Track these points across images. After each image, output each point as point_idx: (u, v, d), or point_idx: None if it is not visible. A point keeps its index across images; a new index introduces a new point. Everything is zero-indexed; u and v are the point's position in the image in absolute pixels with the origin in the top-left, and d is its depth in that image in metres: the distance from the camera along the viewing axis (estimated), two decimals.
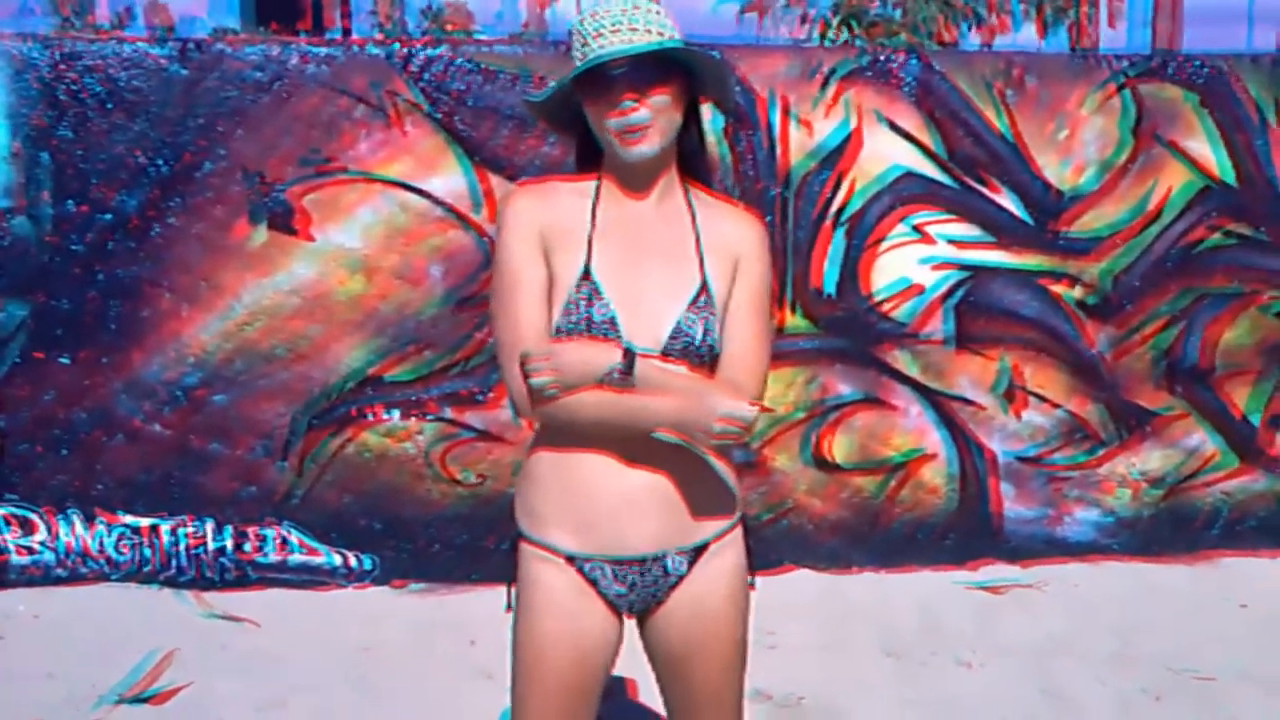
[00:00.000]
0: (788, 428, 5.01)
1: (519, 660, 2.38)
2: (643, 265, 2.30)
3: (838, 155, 4.92)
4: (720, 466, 2.37)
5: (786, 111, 4.87)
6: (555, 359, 2.21)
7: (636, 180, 2.33)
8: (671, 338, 2.26)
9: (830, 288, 4.97)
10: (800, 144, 4.90)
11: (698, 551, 2.35)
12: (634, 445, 2.26)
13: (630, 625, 2.44)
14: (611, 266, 2.29)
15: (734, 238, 2.36)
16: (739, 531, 2.42)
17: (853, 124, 4.91)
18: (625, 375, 2.20)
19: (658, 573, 2.34)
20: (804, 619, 4.65)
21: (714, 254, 2.33)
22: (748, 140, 4.86)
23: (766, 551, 5.04)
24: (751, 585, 2.45)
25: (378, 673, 4.25)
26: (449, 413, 4.87)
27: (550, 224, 2.32)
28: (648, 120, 2.23)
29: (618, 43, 2.21)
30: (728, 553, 2.39)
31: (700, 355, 2.27)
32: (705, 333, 2.27)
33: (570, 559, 2.34)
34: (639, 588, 2.35)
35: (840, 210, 4.95)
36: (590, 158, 2.39)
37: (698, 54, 2.27)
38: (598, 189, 2.36)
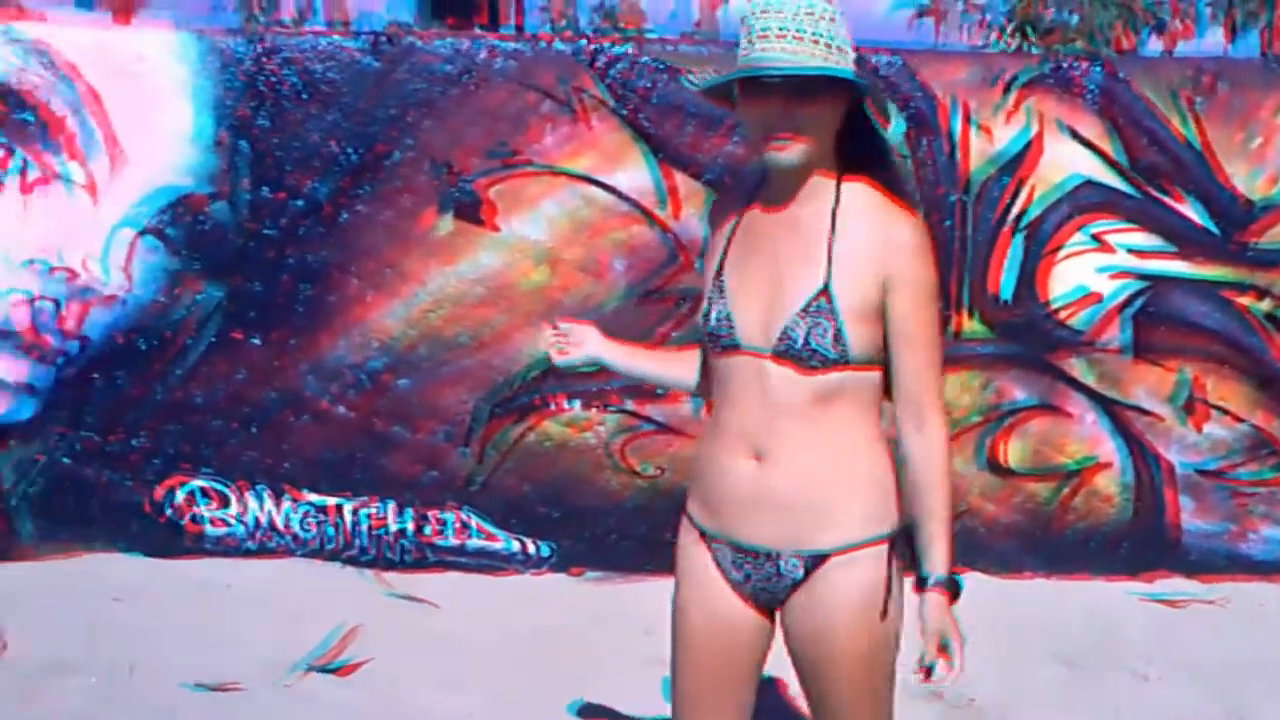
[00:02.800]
0: (962, 431, 4.98)
1: (673, 624, 2.51)
2: (769, 267, 2.32)
3: (1018, 162, 4.89)
4: (865, 482, 2.35)
5: (967, 118, 4.86)
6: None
7: (785, 181, 2.31)
8: (779, 339, 2.27)
9: (1007, 294, 4.94)
10: (981, 150, 4.88)
11: (816, 559, 2.33)
12: (761, 438, 2.31)
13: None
14: (740, 267, 2.35)
15: (881, 241, 2.27)
16: (879, 550, 2.34)
17: (1033, 131, 4.88)
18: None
19: (771, 570, 2.36)
20: (974, 621, 4.58)
21: (850, 257, 2.26)
22: (929, 145, 4.85)
23: None
24: (884, 613, 2.34)
25: (552, 657, 4.32)
26: (630, 405, 4.94)
27: (716, 227, 2.47)
28: (794, 131, 2.21)
29: (780, 50, 2.17)
30: (859, 568, 2.32)
31: (803, 359, 2.25)
32: (810, 337, 2.24)
33: (703, 534, 2.44)
34: (754, 579, 2.38)
35: (1019, 217, 4.92)
36: None
37: (855, 82, 2.22)
38: (754, 191, 2.40)
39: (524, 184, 4.85)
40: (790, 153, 2.23)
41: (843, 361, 2.26)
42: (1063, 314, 4.97)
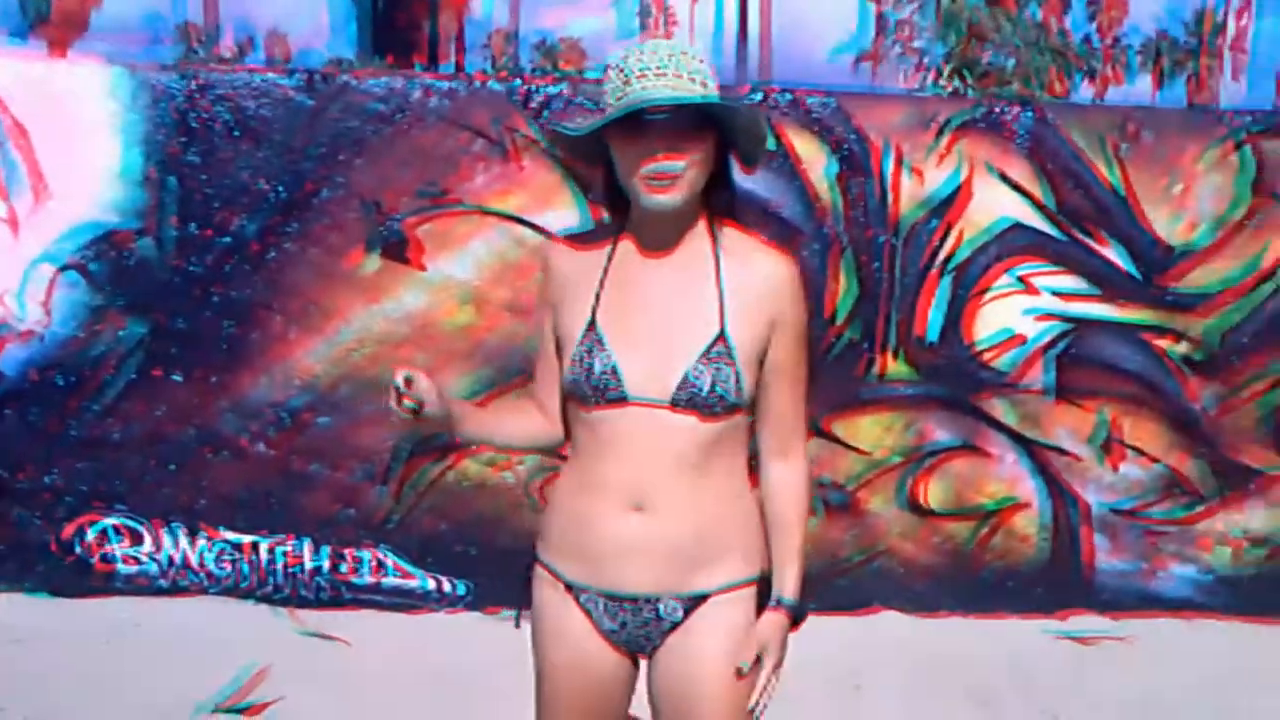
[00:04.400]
0: (883, 471, 5.01)
1: (537, 683, 2.50)
2: (655, 315, 2.28)
3: (948, 205, 4.93)
4: (741, 522, 2.37)
5: (899, 160, 4.89)
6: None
7: (659, 228, 2.27)
8: (679, 388, 2.24)
9: (933, 335, 4.97)
10: (911, 193, 4.91)
11: (696, 600, 2.34)
12: (646, 489, 2.29)
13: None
14: (619, 317, 2.29)
15: (765, 283, 2.27)
16: (752, 591, 2.37)
17: (964, 174, 4.92)
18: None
19: (649, 615, 2.35)
20: (890, 661, 4.64)
21: (740, 300, 2.26)
22: (860, 187, 4.88)
23: (856, 592, 5.06)
24: (755, 663, 2.34)
25: (464, 696, 4.29)
26: None
27: (567, 279, 2.37)
28: (679, 171, 2.16)
29: (662, 87, 2.14)
30: (734, 609, 2.35)
31: (709, 406, 2.24)
32: (714, 383, 2.23)
33: (569, 587, 2.40)
34: (630, 627, 2.37)
35: (948, 259, 4.96)
36: (618, 199, 2.31)
37: (741, 111, 2.20)
38: (616, 240, 2.34)
39: (453, 223, 4.85)
40: (672, 194, 2.17)
41: (741, 406, 2.28)
42: (987, 355, 5.00)
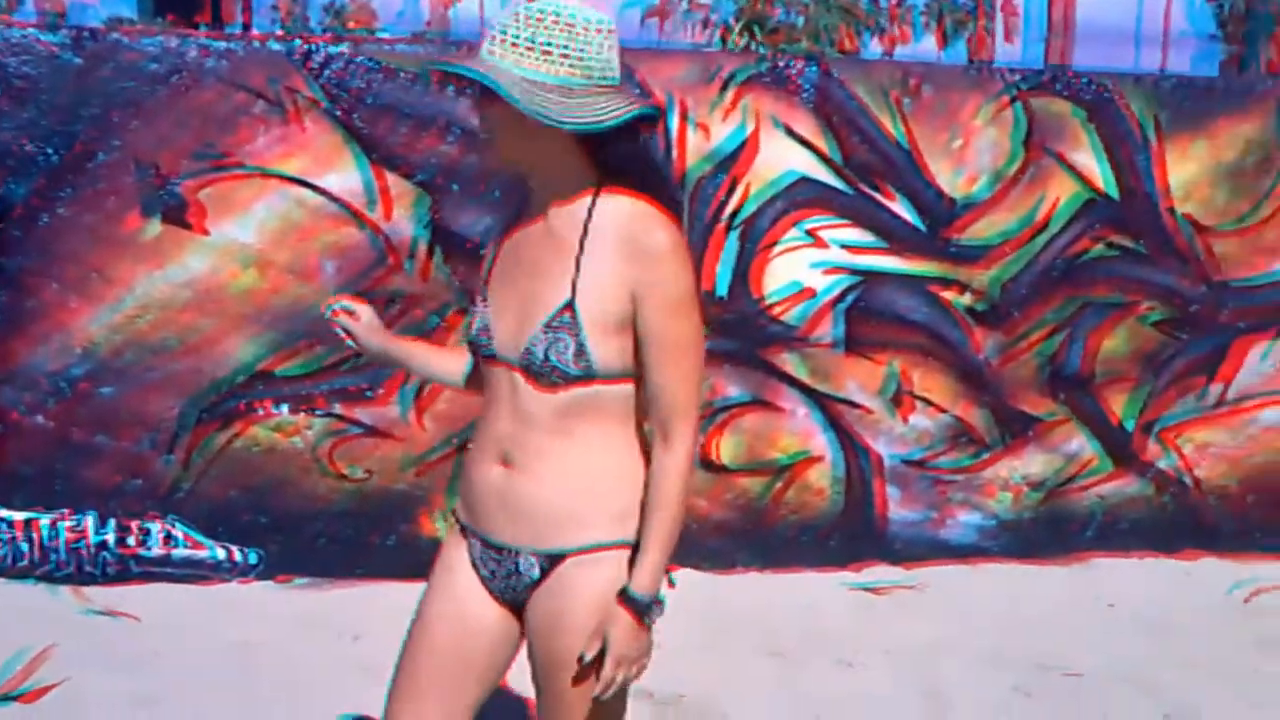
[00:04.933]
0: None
1: (418, 604, 2.53)
2: (524, 279, 2.33)
3: (734, 159, 4.97)
4: (612, 483, 2.34)
5: (685, 115, 4.91)
6: None
7: (542, 192, 2.33)
8: (521, 355, 2.28)
9: (721, 290, 5.02)
10: (697, 147, 4.94)
11: (553, 559, 2.33)
12: (509, 445, 2.33)
13: None
14: (502, 278, 2.40)
15: (628, 251, 2.22)
16: (619, 554, 2.32)
17: (749, 129, 4.96)
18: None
19: (511, 567, 2.38)
20: (686, 618, 4.63)
21: (599, 268, 2.23)
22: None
23: None
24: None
25: (258, 668, 4.23)
26: (338, 408, 4.87)
27: (496, 236, 2.51)
28: (487, 135, 2.28)
29: (489, 52, 2.18)
30: (594, 569, 2.31)
31: (543, 374, 2.25)
32: (549, 353, 2.23)
33: (464, 528, 2.48)
34: (498, 577, 2.41)
35: (734, 214, 5.00)
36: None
37: (517, 97, 2.14)
38: (523, 201, 2.41)
39: (234, 186, 4.73)
40: (491, 154, 2.34)
41: (586, 377, 2.25)
42: (776, 309, 5.07)
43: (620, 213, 2.25)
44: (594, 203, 2.27)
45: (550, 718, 2.40)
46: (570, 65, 2.17)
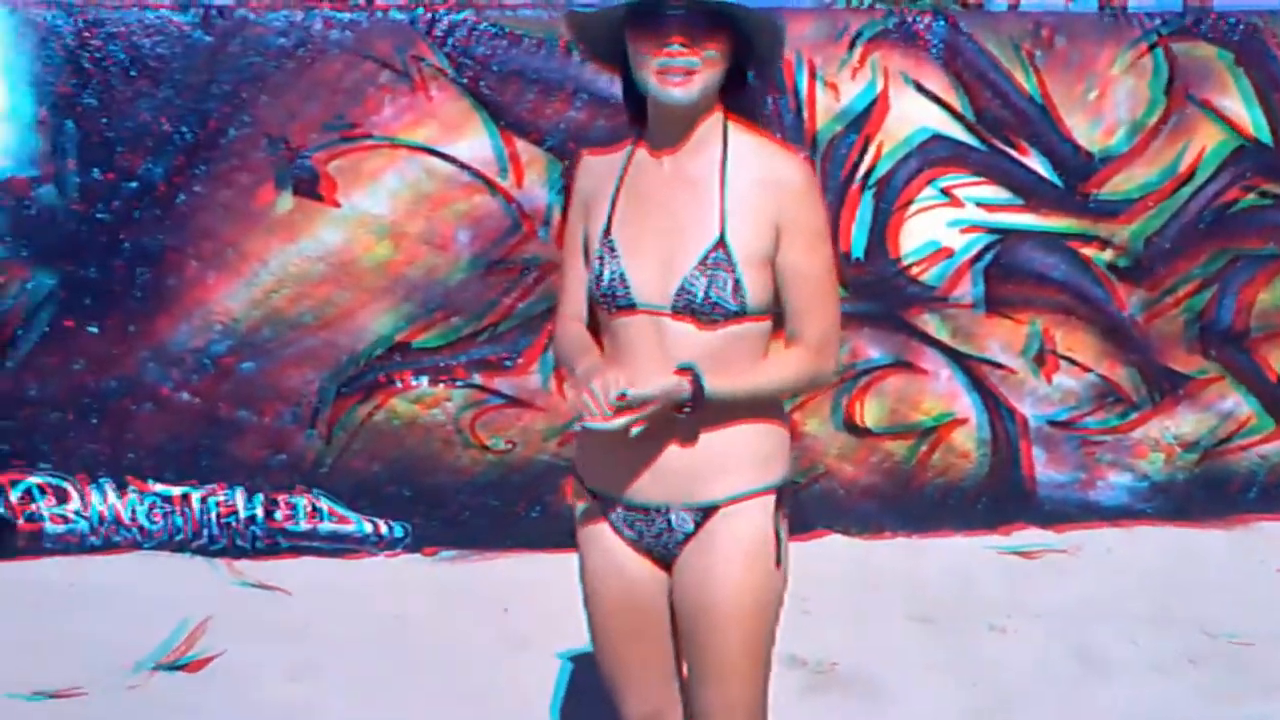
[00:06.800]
0: (818, 392, 4.97)
1: (582, 588, 2.52)
2: (662, 222, 2.30)
3: (865, 118, 4.87)
4: (752, 433, 2.33)
5: (813, 74, 4.82)
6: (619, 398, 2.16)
7: (672, 130, 2.30)
8: (676, 295, 2.24)
9: (858, 251, 4.93)
10: (827, 107, 4.85)
11: (706, 512, 2.33)
12: None
13: None
14: (631, 224, 2.33)
15: (771, 186, 2.25)
16: (766, 500, 2.34)
17: (879, 86, 4.85)
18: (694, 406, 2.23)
19: (662, 525, 2.36)
20: (836, 584, 4.64)
21: (744, 205, 2.25)
22: (775, 103, 4.81)
23: (798, 516, 5.01)
24: (771, 563, 2.34)
25: (409, 640, 4.25)
26: (478, 379, 4.86)
27: (592, 189, 2.42)
28: (694, 66, 2.18)
29: None
30: (746, 517, 2.33)
31: (704, 312, 2.24)
32: (710, 289, 2.22)
33: (595, 495, 2.44)
34: (646, 537, 2.39)
35: (868, 174, 4.90)
36: (636, 100, 2.34)
37: (759, 16, 2.19)
38: (633, 147, 2.37)
39: (363, 157, 4.73)
40: (686, 88, 2.19)
41: (742, 313, 2.26)
42: (915, 270, 4.97)
43: (755, 148, 2.29)
44: (725, 137, 2.28)
45: (698, 667, 2.39)
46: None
